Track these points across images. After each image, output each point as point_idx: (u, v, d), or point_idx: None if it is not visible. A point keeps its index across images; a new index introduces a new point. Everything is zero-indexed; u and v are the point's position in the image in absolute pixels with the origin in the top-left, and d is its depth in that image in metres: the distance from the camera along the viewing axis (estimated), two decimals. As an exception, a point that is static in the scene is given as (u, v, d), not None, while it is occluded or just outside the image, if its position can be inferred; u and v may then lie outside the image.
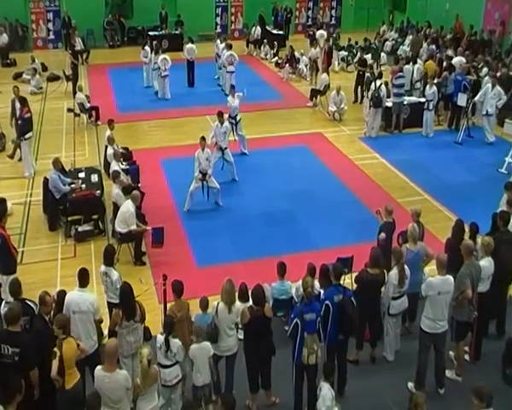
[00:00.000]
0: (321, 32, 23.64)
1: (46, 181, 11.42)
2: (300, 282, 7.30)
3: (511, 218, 8.63)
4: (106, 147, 12.95)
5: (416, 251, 8.13)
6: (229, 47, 19.41)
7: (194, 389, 6.96)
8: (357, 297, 7.39)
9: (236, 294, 7.22)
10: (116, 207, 10.62)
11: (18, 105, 13.49)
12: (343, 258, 8.73)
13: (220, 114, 13.11)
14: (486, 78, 16.44)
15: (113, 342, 6.37)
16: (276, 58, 23.97)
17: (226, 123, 13.25)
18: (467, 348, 8.08)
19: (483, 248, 7.84)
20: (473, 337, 8.00)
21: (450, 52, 20.12)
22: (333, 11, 30.35)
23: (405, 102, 16.65)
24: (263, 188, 13.12)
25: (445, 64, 18.15)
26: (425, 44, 22.25)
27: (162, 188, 13.05)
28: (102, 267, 7.72)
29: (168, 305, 7.66)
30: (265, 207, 12.26)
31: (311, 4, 29.89)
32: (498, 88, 15.41)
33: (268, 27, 26.69)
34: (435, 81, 16.55)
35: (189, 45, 20.36)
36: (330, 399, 6.57)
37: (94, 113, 16.77)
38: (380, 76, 16.35)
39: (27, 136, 13.41)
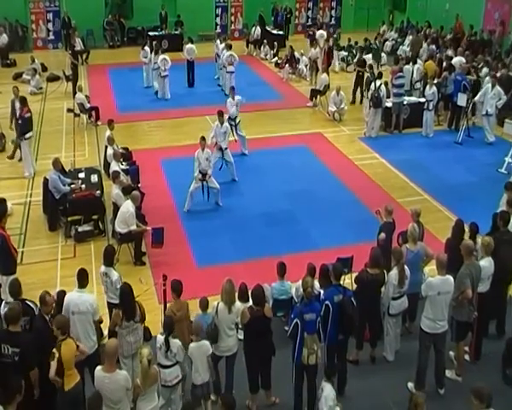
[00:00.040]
0: (321, 32, 23.67)
1: (46, 181, 11.42)
2: (300, 282, 7.30)
3: (511, 218, 8.63)
4: (106, 147, 12.96)
5: (416, 251, 8.13)
6: (229, 47, 19.40)
7: (194, 388, 6.97)
8: (357, 297, 7.39)
9: (236, 294, 7.23)
10: (116, 208, 10.61)
11: (18, 105, 13.51)
12: (343, 258, 8.73)
13: (220, 114, 13.11)
14: (487, 78, 16.43)
15: (112, 342, 6.37)
16: (276, 58, 23.97)
17: (226, 123, 13.25)
18: (467, 348, 8.08)
19: (483, 248, 7.84)
20: (473, 337, 8.00)
21: (450, 52, 20.11)
22: (333, 11, 30.34)
23: (405, 103, 16.65)
24: (263, 188, 13.12)
25: (444, 64, 18.15)
26: (425, 44, 22.24)
27: (162, 188, 13.05)
28: (102, 268, 7.72)
29: (168, 305, 7.66)
30: (265, 207, 12.26)
31: (310, 4, 29.88)
32: (498, 88, 15.40)
33: (268, 27, 26.68)
34: (435, 81, 16.54)
35: (189, 45, 20.36)
36: (332, 399, 6.57)
37: (94, 113, 16.77)
38: (380, 76, 16.35)
39: (27, 135, 13.41)
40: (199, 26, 26.89)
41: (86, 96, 17.43)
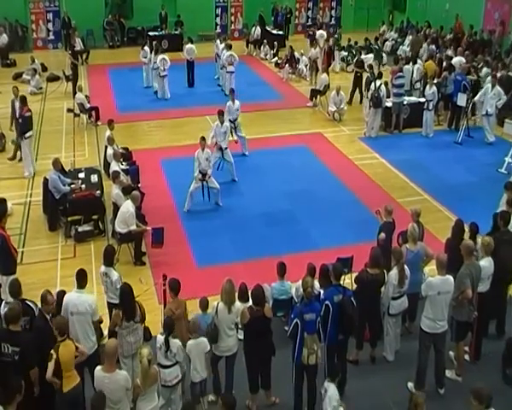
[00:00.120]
0: (321, 32, 23.70)
1: (46, 181, 11.43)
2: (300, 282, 7.30)
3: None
4: (106, 147, 12.95)
5: (416, 251, 8.13)
6: (229, 47, 19.40)
7: (193, 386, 6.98)
8: (357, 297, 7.38)
9: (236, 294, 7.23)
10: (116, 208, 10.61)
11: (18, 104, 13.51)
12: (343, 258, 8.73)
13: (220, 113, 13.11)
14: (488, 78, 16.43)
15: (112, 342, 6.37)
16: (276, 58, 23.97)
17: (227, 122, 13.25)
18: (467, 348, 8.07)
19: (483, 248, 7.84)
20: (473, 337, 8.00)
21: (449, 52, 20.14)
22: (333, 11, 30.34)
23: (405, 102, 16.65)
24: (263, 188, 13.12)
25: (444, 64, 18.16)
26: (425, 44, 22.24)
27: (162, 188, 13.05)
28: (102, 268, 7.71)
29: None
30: (265, 207, 12.26)
31: (310, 4, 29.88)
32: (498, 88, 15.40)
33: (268, 27, 26.69)
34: (435, 81, 16.54)
35: (189, 45, 20.36)
36: (336, 399, 6.56)
37: (94, 113, 16.77)
38: (380, 76, 16.36)
39: (27, 135, 13.40)
40: (199, 26, 26.89)
41: (86, 96, 17.44)
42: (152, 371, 6.23)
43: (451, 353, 8.05)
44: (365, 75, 17.87)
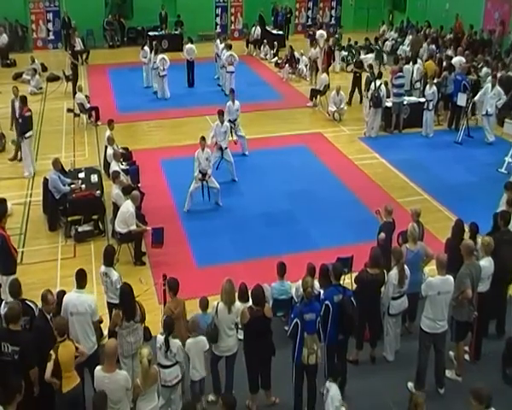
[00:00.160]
0: (321, 32, 23.69)
1: (46, 181, 11.43)
2: (300, 282, 7.30)
3: None
4: (106, 147, 12.95)
5: (416, 251, 8.13)
6: (229, 47, 19.40)
7: (192, 385, 6.99)
8: (357, 297, 7.38)
9: (236, 294, 7.23)
10: (116, 208, 10.61)
11: (18, 104, 13.52)
12: (343, 258, 8.73)
13: (221, 113, 13.11)
14: (488, 78, 16.42)
15: (112, 342, 6.37)
16: (276, 58, 23.98)
17: (227, 122, 13.25)
18: (467, 348, 8.07)
19: (483, 248, 7.84)
20: (473, 337, 8.00)
21: (449, 52, 20.13)
22: (333, 11, 30.35)
23: (405, 102, 16.65)
24: (263, 188, 13.12)
25: (444, 64, 18.15)
26: (425, 44, 22.23)
27: (162, 188, 13.05)
28: (102, 268, 7.72)
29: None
30: (265, 207, 12.26)
31: (310, 4, 29.88)
32: (498, 88, 15.40)
33: (268, 27, 26.69)
34: (435, 81, 16.54)
35: (189, 45, 20.35)
36: (339, 399, 6.56)
37: (94, 113, 16.77)
38: (380, 76, 16.36)
39: (28, 134, 13.40)
40: (199, 26, 26.89)
41: (86, 96, 17.43)
42: (152, 371, 6.23)
43: (451, 353, 8.05)
44: (364, 75, 17.87)
